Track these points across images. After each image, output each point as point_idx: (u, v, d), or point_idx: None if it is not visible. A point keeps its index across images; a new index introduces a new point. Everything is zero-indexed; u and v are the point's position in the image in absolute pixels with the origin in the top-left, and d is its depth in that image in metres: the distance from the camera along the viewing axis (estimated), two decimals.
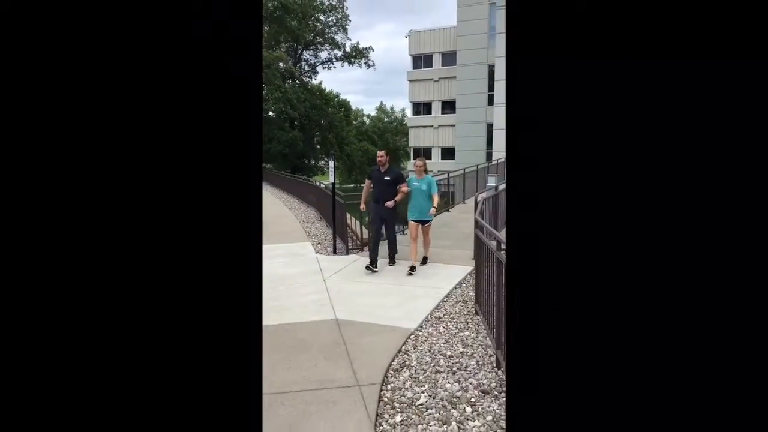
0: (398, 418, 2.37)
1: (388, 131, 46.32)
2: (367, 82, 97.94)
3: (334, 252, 6.49)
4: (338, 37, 33.05)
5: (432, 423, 2.33)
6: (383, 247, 5.54)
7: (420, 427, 2.30)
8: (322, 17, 32.27)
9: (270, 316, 3.80)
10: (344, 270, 5.36)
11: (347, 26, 32.99)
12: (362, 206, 5.71)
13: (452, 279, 4.87)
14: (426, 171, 5.38)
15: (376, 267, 5.18)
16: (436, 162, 30.66)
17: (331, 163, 6.77)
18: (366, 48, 33.71)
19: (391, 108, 51.32)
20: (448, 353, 3.14)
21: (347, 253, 6.35)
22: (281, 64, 28.66)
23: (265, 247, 6.70)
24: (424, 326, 3.64)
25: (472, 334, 3.45)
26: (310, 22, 31.45)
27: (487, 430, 2.26)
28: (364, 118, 48.05)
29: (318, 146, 32.81)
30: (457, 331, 3.54)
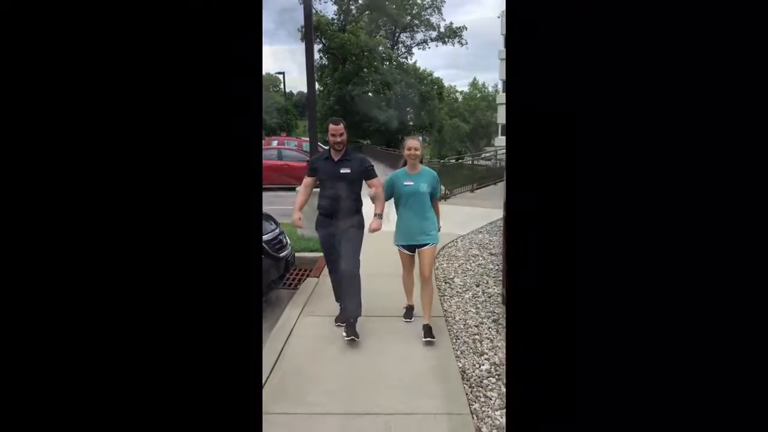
0: (445, 259, 5.05)
1: (480, 109, 47.33)
2: (463, 55, 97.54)
3: None
4: (433, 19, 34.97)
5: (461, 258, 4.96)
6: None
7: (455, 260, 4.95)
8: (418, 0, 34.35)
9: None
10: None
11: (441, 7, 34.69)
12: (297, 216, 3.27)
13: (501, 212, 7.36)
14: (422, 159, 3.40)
15: (354, 334, 3.05)
16: None
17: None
18: (459, 27, 35.20)
19: (483, 84, 51.85)
20: (482, 244, 5.72)
21: None
22: (381, 48, 31.50)
23: None
24: (468, 234, 6.26)
25: (500, 240, 5.98)
26: (407, 6, 33.80)
27: (487, 264, 4.80)
28: (457, 94, 49.39)
29: (411, 123, 35.42)
30: (489, 236, 6.10)
